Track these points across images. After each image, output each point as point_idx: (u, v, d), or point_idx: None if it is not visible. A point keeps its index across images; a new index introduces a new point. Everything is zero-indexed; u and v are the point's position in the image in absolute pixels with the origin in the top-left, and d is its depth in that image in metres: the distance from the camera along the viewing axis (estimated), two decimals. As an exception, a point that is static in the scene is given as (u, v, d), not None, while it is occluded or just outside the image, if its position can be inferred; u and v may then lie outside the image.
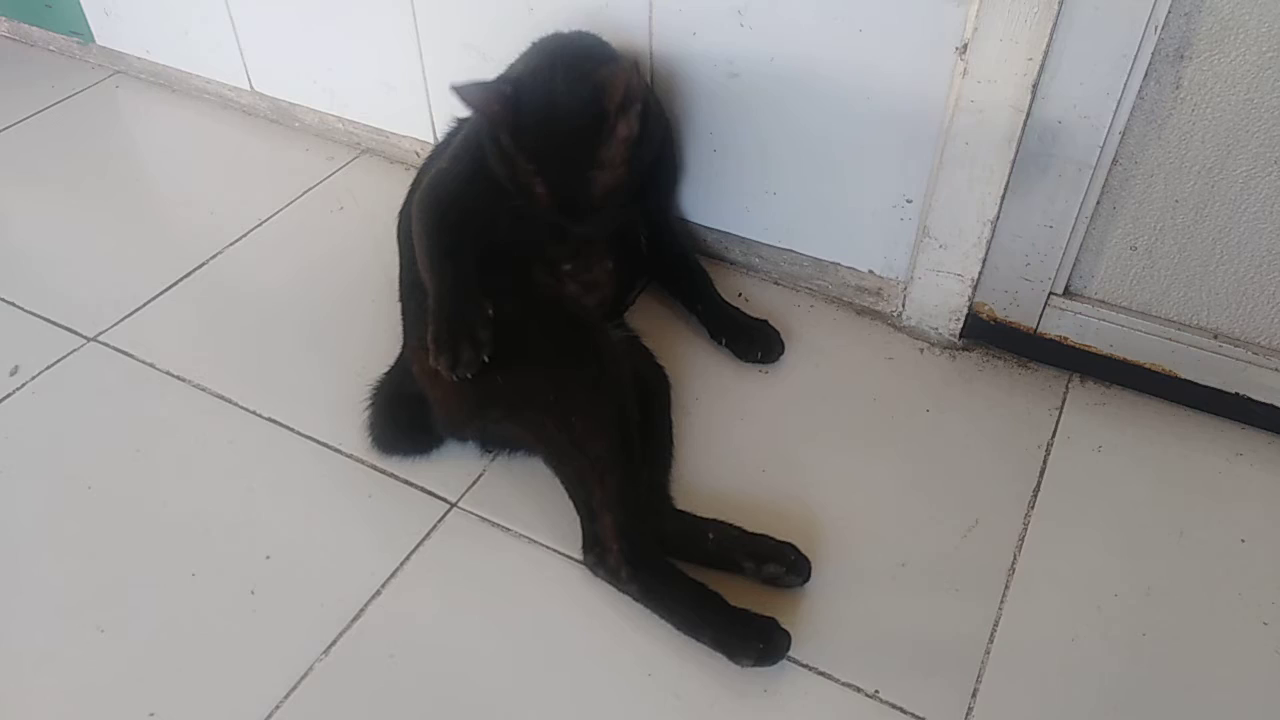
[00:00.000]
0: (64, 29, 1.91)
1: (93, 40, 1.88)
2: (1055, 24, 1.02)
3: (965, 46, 1.08)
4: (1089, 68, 1.04)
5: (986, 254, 1.21)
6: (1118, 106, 1.05)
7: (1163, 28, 1.00)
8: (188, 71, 1.81)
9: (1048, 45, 1.03)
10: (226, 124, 1.78)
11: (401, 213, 1.27)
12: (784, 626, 0.97)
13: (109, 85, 1.88)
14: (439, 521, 1.10)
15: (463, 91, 1.07)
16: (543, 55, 1.16)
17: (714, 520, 1.06)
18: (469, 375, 1.04)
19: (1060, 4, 1.00)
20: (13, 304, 1.38)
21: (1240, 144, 1.04)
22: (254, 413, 1.22)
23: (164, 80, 1.86)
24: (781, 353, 1.29)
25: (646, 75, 1.31)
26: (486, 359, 1.05)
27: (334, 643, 0.99)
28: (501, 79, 1.13)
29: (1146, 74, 1.03)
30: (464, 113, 1.29)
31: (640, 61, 1.29)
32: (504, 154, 1.10)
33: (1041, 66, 1.05)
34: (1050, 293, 1.22)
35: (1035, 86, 1.06)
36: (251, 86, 1.74)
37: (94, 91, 1.86)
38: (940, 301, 1.27)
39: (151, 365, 1.29)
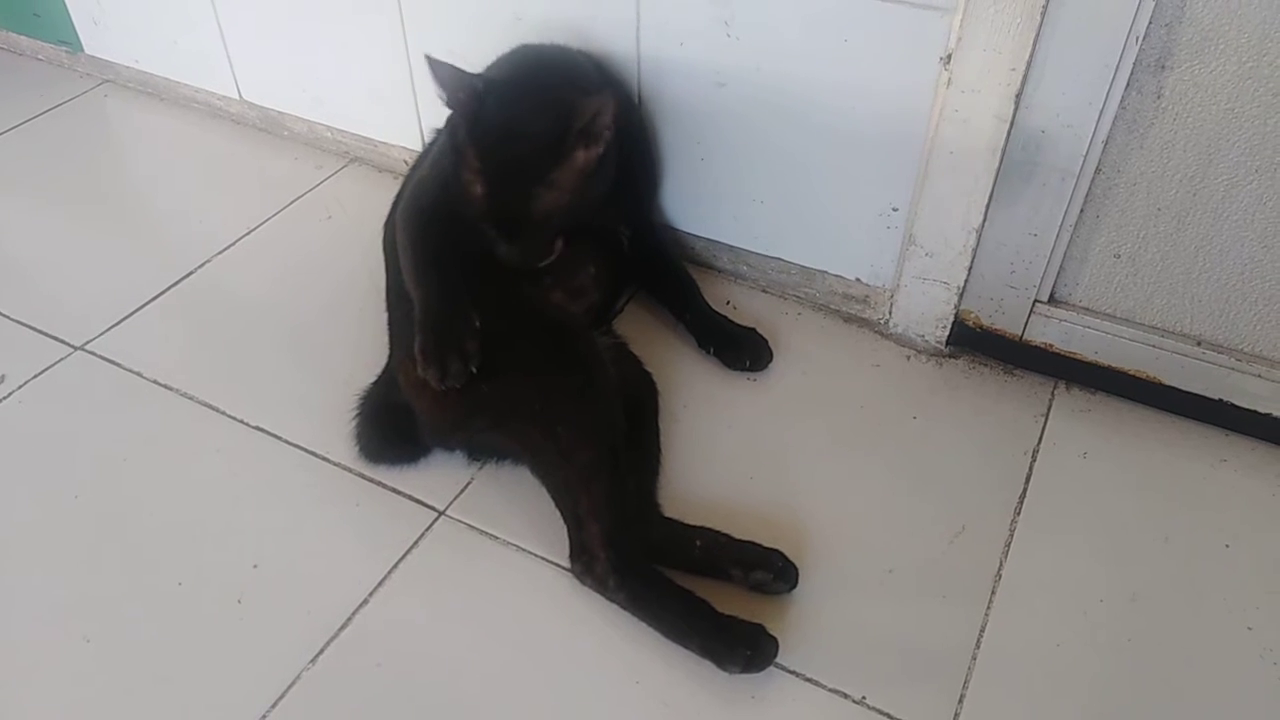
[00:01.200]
0: (53, 38, 1.91)
1: (81, 49, 1.88)
2: (1038, 35, 1.03)
3: (949, 57, 1.09)
4: (1072, 78, 1.05)
5: (972, 262, 1.22)
6: (1100, 116, 1.06)
7: (1144, 38, 1.01)
8: (176, 80, 1.81)
9: (1031, 55, 1.04)
10: (215, 133, 1.78)
11: (387, 223, 1.27)
12: (771, 633, 0.97)
13: (98, 94, 1.88)
14: (427, 530, 1.10)
15: (436, 67, 1.08)
16: (528, 63, 1.16)
17: (701, 527, 1.06)
18: (457, 386, 1.04)
19: (1043, 15, 1.01)
20: (0, 312, 1.38)
21: (1221, 153, 1.05)
22: (241, 421, 1.22)
23: (153, 89, 1.86)
24: (769, 360, 1.29)
25: (635, 88, 1.31)
26: (474, 370, 1.05)
27: (321, 651, 0.99)
28: (479, 75, 1.13)
29: (1128, 84, 1.04)
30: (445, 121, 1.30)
31: (626, 99, 1.30)
32: (456, 145, 1.10)
33: (1025, 77, 1.06)
34: (1035, 300, 1.23)
35: (1019, 96, 1.07)
36: (240, 95, 1.74)
37: (83, 101, 1.86)
38: (926, 309, 1.28)
39: (139, 374, 1.29)
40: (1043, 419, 1.22)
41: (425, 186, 1.19)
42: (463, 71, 1.09)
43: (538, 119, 1.09)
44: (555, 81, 1.15)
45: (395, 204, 1.28)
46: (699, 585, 1.01)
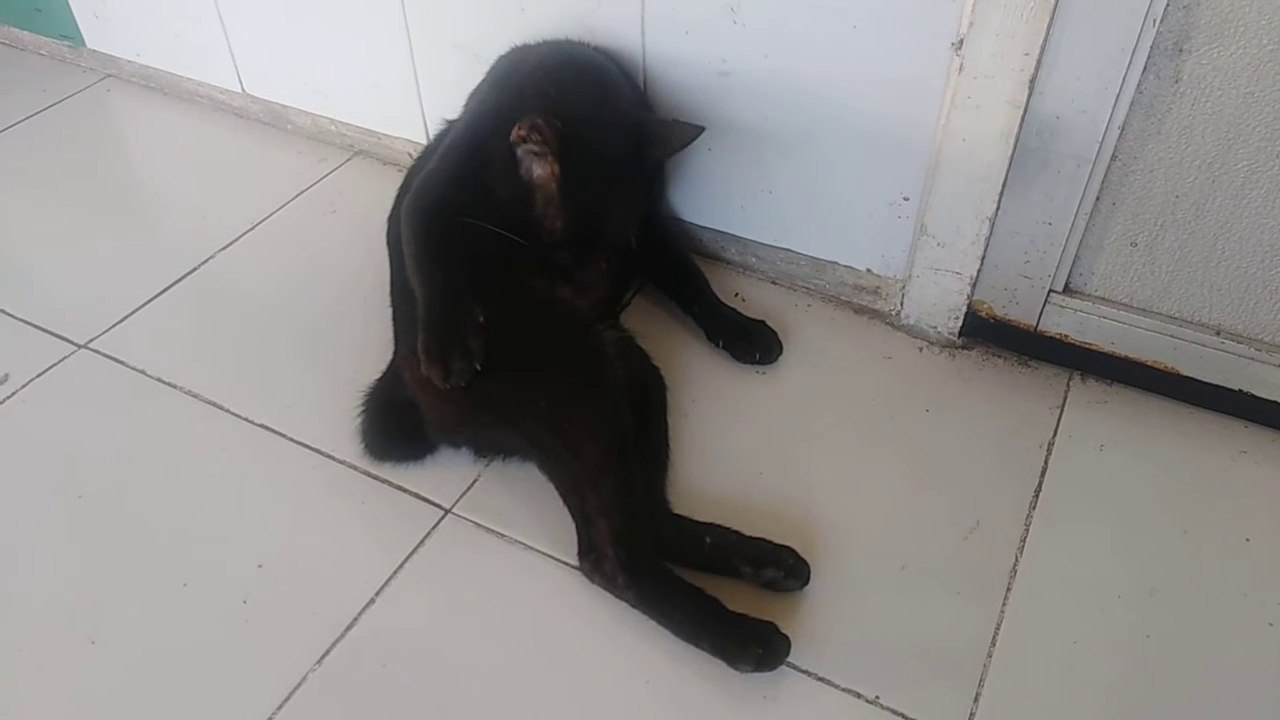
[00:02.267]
0: (54, 33, 1.90)
1: (83, 44, 1.87)
2: (1052, 18, 1.01)
3: (961, 42, 1.07)
4: (1087, 62, 1.03)
5: (985, 251, 1.20)
6: (1116, 101, 1.04)
7: (1161, 21, 0.98)
8: (179, 75, 1.80)
9: (1045, 40, 1.02)
10: (218, 127, 1.76)
11: (391, 217, 1.26)
12: (783, 631, 0.95)
13: (100, 89, 1.87)
14: (433, 528, 1.09)
15: (544, 127, 1.05)
16: (572, 76, 1.16)
17: (711, 524, 1.05)
18: (461, 385, 1.03)
19: (1057, -2, 0.99)
20: (3, 310, 1.37)
21: (1241, 138, 1.03)
22: (246, 419, 1.21)
23: (155, 83, 1.85)
24: (779, 353, 1.28)
25: (640, 77, 1.29)
26: (478, 367, 1.03)
27: (327, 652, 0.98)
28: (542, 103, 1.10)
29: (1145, 68, 1.02)
30: (454, 115, 1.29)
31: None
32: (523, 183, 1.09)
33: (1039, 61, 1.04)
34: (1050, 290, 1.20)
35: (1032, 82, 1.05)
36: (243, 89, 1.73)
37: (85, 95, 1.85)
38: (939, 300, 1.26)
39: (142, 372, 1.28)
40: (1058, 411, 1.20)
41: (432, 182, 1.17)
42: (556, 125, 1.06)
43: (618, 149, 1.11)
44: (616, 102, 1.16)
45: (399, 198, 1.27)
46: (709, 583, 0.99)
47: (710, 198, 1.37)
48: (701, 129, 1.14)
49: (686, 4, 1.21)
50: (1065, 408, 1.21)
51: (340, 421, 1.17)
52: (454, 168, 1.16)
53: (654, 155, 1.11)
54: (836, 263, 1.33)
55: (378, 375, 1.19)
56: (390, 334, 1.21)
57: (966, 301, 1.25)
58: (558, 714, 0.94)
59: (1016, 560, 1.05)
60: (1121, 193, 1.12)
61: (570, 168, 1.07)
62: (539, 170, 1.08)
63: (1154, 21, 0.98)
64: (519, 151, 1.08)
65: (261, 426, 1.20)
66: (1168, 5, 0.98)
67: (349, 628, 1.00)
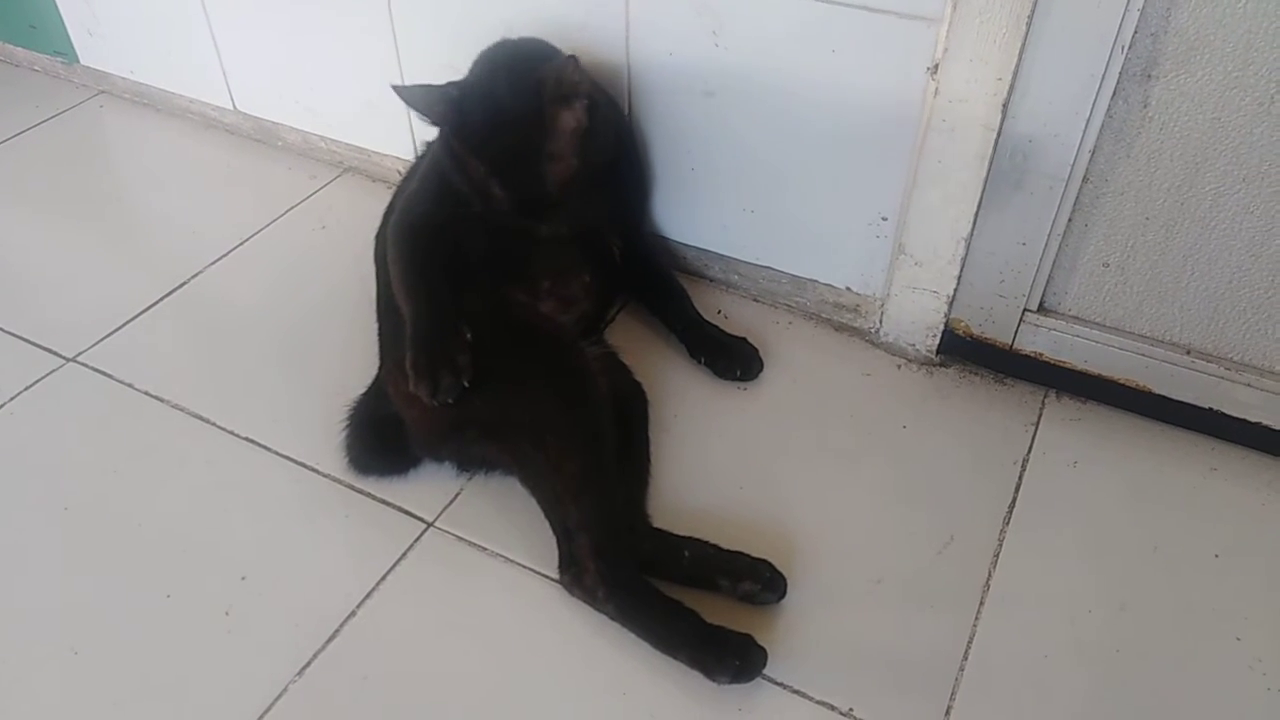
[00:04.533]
0: (48, 49, 1.91)
1: (77, 60, 1.89)
2: (1024, 44, 1.03)
3: (936, 67, 1.09)
4: (1058, 87, 1.05)
5: (961, 271, 1.22)
6: (1087, 125, 1.06)
7: (1130, 48, 1.01)
8: (171, 91, 1.81)
9: (1017, 65, 1.04)
10: (210, 143, 1.78)
11: (378, 234, 1.27)
12: (760, 643, 0.97)
13: (93, 105, 1.89)
14: (415, 541, 1.10)
15: (404, 93, 1.09)
16: (487, 60, 1.18)
17: (690, 538, 1.06)
18: (449, 400, 1.04)
19: (1028, 25, 1.02)
20: (-8, 324, 1.39)
21: (1208, 162, 1.05)
22: (231, 433, 1.22)
23: (148, 100, 1.86)
24: (760, 370, 1.29)
25: (624, 92, 1.32)
26: (466, 384, 1.05)
27: (308, 664, 0.99)
28: (449, 83, 1.13)
29: (1115, 93, 1.04)
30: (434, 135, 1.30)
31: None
32: (457, 158, 1.11)
33: (1011, 86, 1.06)
34: (1025, 309, 1.23)
35: (1006, 106, 1.07)
36: (235, 106, 1.75)
37: (78, 111, 1.87)
38: (917, 318, 1.28)
39: (130, 385, 1.29)
40: (1033, 428, 1.22)
41: (415, 200, 1.20)
42: (431, 87, 1.10)
43: (510, 102, 1.10)
44: (518, 63, 1.15)
45: (386, 215, 1.28)
46: (687, 596, 1.01)
47: (693, 216, 1.39)
48: (570, 57, 1.09)
49: (669, 27, 1.23)
50: (1040, 425, 1.22)
51: (325, 435, 1.18)
52: (433, 184, 1.18)
53: (546, 94, 1.08)
54: (817, 281, 1.35)
55: (363, 390, 1.21)
56: (375, 349, 1.22)
57: (944, 320, 1.27)
58: (536, 725, 0.95)
59: (990, 575, 1.06)
60: (1093, 214, 1.14)
61: (468, 130, 1.10)
62: (455, 143, 1.11)
63: (1123, 48, 1.01)
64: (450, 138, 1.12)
65: (247, 440, 1.22)
66: (1136, 32, 1.00)
67: (331, 639, 1.01)
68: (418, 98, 1.10)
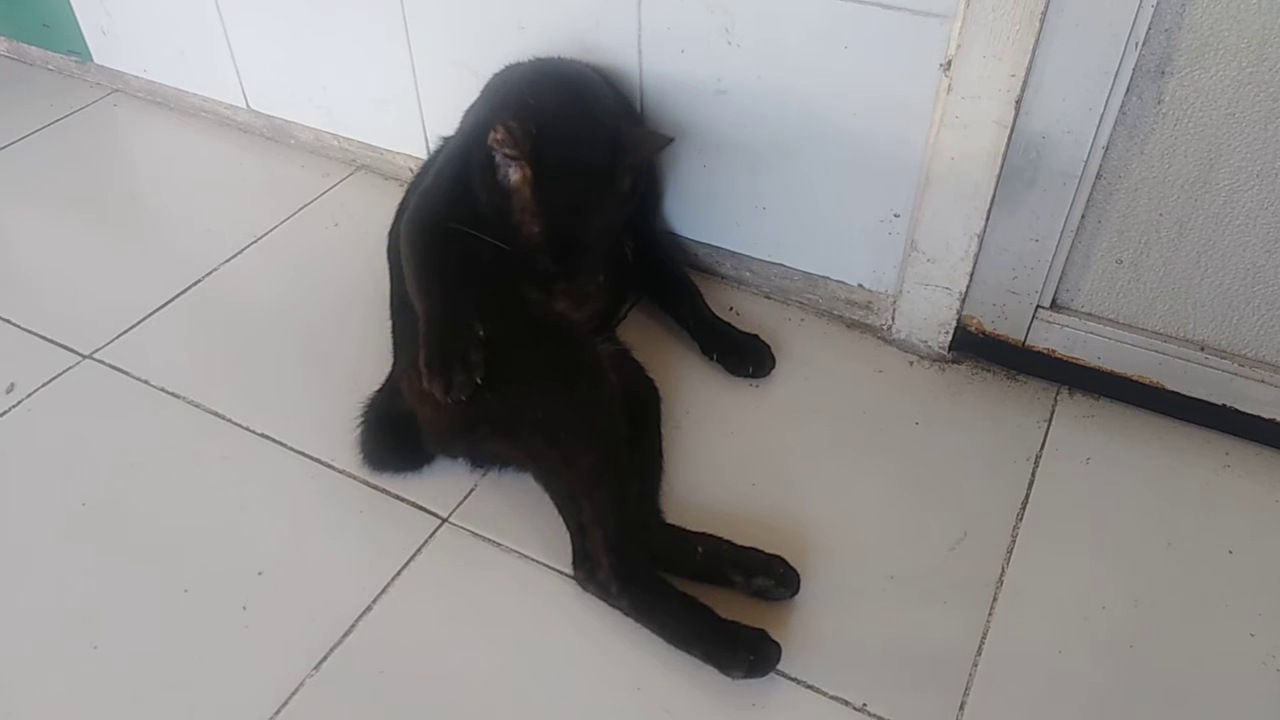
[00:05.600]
0: (62, 48, 1.93)
1: (91, 59, 1.90)
2: (1037, 41, 1.03)
3: (949, 63, 1.09)
4: (1072, 83, 1.05)
5: (974, 267, 1.22)
6: (1100, 121, 1.06)
7: (1143, 44, 1.01)
8: (185, 90, 1.82)
9: (1030, 61, 1.05)
10: (223, 142, 1.79)
11: (391, 232, 1.28)
12: (774, 638, 0.97)
13: (107, 104, 1.90)
14: (430, 537, 1.11)
15: (512, 130, 1.07)
16: (555, 89, 1.18)
17: (703, 534, 1.07)
18: (462, 398, 1.05)
19: (1042, 21, 1.02)
20: (9, 321, 1.39)
21: (1222, 158, 1.05)
22: (247, 429, 1.23)
23: (161, 99, 1.87)
24: (772, 367, 1.30)
25: (637, 95, 1.32)
26: (479, 381, 1.05)
27: (325, 658, 1.00)
28: (523, 113, 1.12)
29: (1128, 89, 1.04)
30: (450, 131, 1.31)
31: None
32: (502, 189, 1.11)
33: (1024, 82, 1.06)
34: (1038, 306, 1.23)
35: (1019, 102, 1.07)
36: (248, 105, 1.76)
37: (92, 110, 1.88)
38: (929, 315, 1.28)
39: (146, 382, 1.30)
40: (1045, 424, 1.22)
41: (429, 197, 1.20)
42: (528, 130, 1.09)
43: (592, 155, 1.12)
44: (589, 107, 1.18)
45: (399, 213, 1.29)
46: (701, 592, 1.01)
47: (706, 213, 1.40)
48: (670, 139, 1.18)
49: (682, 24, 1.23)
50: (1053, 421, 1.22)
51: (339, 432, 1.19)
52: (448, 184, 1.19)
53: (624, 161, 1.12)
54: (829, 278, 1.35)
55: (377, 387, 1.21)
56: (389, 346, 1.23)
57: (956, 316, 1.27)
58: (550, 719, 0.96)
59: (1003, 571, 1.06)
60: (1107, 211, 1.14)
61: (543, 173, 1.10)
62: (514, 175, 1.11)
63: (1136, 44, 1.01)
64: (497, 158, 1.11)
65: (262, 436, 1.22)
66: (1150, 28, 1.00)
67: (346, 634, 1.02)
68: (518, 133, 1.08)
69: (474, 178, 1.14)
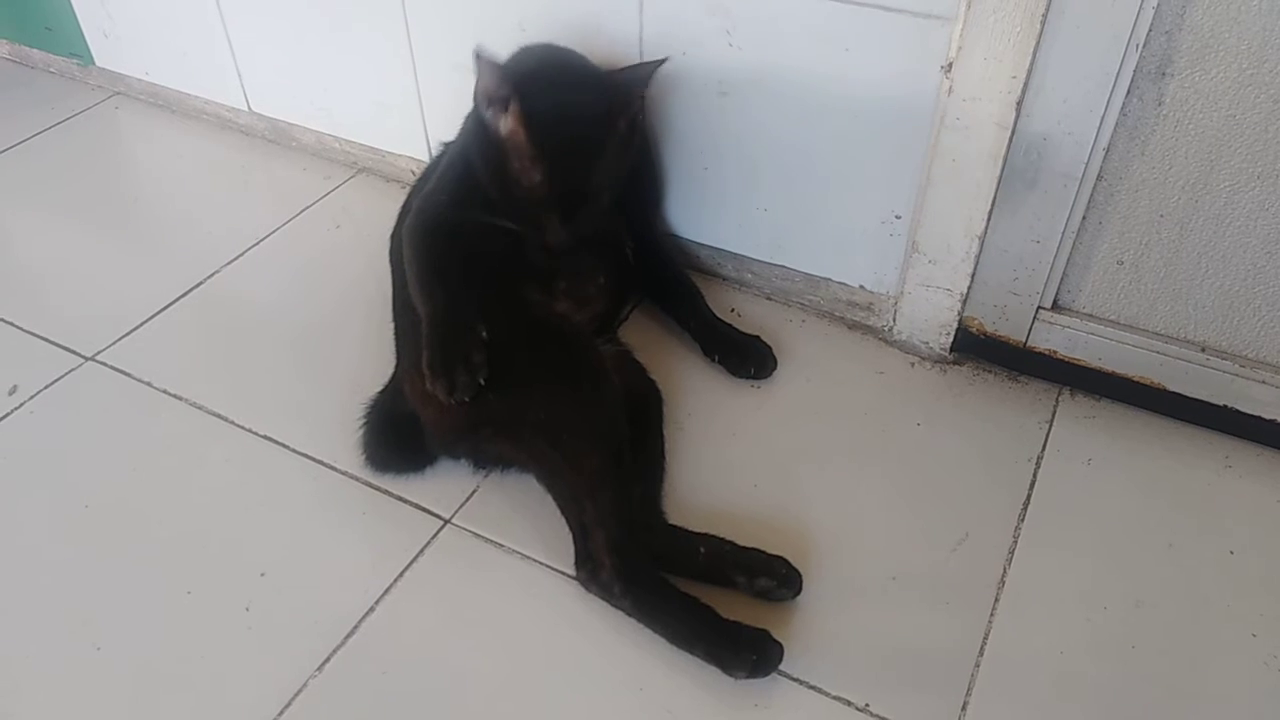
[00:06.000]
0: (64, 51, 1.93)
1: (92, 62, 1.90)
2: (1038, 42, 1.03)
3: (950, 65, 1.09)
4: (1073, 85, 1.05)
5: (975, 269, 1.22)
6: (1101, 123, 1.06)
7: (1144, 46, 1.01)
8: (186, 93, 1.83)
9: (1031, 63, 1.05)
10: (225, 144, 1.79)
11: (393, 234, 1.28)
12: (776, 638, 0.97)
13: (108, 106, 1.90)
14: (432, 538, 1.11)
15: (482, 64, 1.08)
16: (545, 56, 1.19)
17: (705, 534, 1.07)
18: (465, 399, 1.05)
19: (1043, 23, 1.02)
20: (11, 324, 1.40)
21: (1223, 159, 1.05)
22: (249, 430, 1.23)
23: (163, 101, 1.88)
24: (774, 368, 1.30)
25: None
26: (481, 382, 1.05)
27: (328, 659, 1.00)
28: (505, 71, 1.12)
29: (1129, 91, 1.05)
30: (451, 136, 1.31)
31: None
32: (499, 140, 1.11)
33: (1025, 84, 1.06)
34: (1039, 307, 1.23)
35: (1020, 104, 1.08)
36: (249, 107, 1.76)
37: (93, 113, 1.88)
38: (930, 316, 1.28)
39: (148, 384, 1.30)
40: (1047, 425, 1.22)
41: (431, 199, 1.20)
42: (500, 66, 1.10)
43: (585, 96, 1.12)
44: (582, 63, 1.19)
45: (402, 215, 1.29)
46: (703, 592, 1.01)
47: (707, 215, 1.40)
48: (662, 60, 1.16)
49: (683, 26, 1.24)
50: (1054, 422, 1.23)
51: (342, 433, 1.19)
52: (451, 185, 1.19)
53: (618, 98, 1.12)
54: (830, 279, 1.35)
55: (379, 388, 1.22)
56: (391, 348, 1.23)
57: (957, 318, 1.27)
58: (553, 720, 0.96)
59: (1005, 572, 1.07)
60: (1108, 212, 1.14)
61: (534, 112, 1.09)
62: (506, 124, 1.10)
63: (1137, 46, 1.01)
64: (487, 116, 1.11)
65: (265, 438, 1.23)
66: (1150, 30, 1.00)
67: (349, 635, 1.02)
68: (488, 70, 1.09)
69: (475, 159, 1.15)
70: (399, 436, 1.16)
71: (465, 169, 1.17)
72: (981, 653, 1.00)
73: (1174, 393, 1.21)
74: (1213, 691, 0.97)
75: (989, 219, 1.17)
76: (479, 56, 1.08)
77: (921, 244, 1.23)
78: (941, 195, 1.18)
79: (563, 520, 1.08)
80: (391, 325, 1.24)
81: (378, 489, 1.16)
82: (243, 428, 1.24)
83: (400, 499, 1.15)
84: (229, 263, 1.51)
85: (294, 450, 1.21)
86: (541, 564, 1.08)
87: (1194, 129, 1.05)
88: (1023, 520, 1.12)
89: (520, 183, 1.11)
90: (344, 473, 1.18)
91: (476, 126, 1.14)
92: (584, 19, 1.30)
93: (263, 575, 1.08)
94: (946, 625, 1.02)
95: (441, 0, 1.42)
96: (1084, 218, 1.15)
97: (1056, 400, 1.26)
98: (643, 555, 1.04)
